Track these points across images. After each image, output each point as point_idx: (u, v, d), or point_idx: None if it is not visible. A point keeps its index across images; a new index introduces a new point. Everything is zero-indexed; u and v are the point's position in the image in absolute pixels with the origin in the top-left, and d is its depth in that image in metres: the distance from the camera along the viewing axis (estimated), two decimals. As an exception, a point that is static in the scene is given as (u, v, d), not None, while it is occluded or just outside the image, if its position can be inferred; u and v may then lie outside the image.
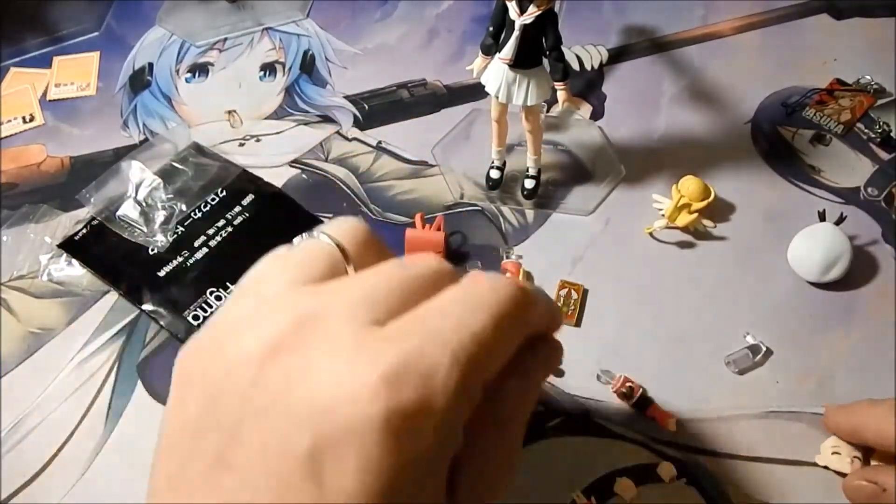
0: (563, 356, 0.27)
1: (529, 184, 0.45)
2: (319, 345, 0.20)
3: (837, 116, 0.50)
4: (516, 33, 0.37)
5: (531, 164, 0.45)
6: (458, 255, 0.44)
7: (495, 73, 0.40)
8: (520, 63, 0.38)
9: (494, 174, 0.46)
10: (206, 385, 0.20)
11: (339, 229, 0.25)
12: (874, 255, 0.43)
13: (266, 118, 0.53)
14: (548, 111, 0.51)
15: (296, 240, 0.25)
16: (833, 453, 0.38)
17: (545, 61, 0.39)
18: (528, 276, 0.43)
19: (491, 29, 0.38)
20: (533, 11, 0.36)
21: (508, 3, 0.36)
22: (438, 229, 0.43)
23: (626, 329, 0.41)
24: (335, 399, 0.19)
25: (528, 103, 0.40)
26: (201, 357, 0.21)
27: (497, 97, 0.41)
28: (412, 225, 0.44)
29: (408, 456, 0.19)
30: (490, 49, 0.39)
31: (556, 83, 0.40)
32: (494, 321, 0.21)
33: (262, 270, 0.24)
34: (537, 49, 0.38)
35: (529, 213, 0.46)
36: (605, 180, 0.47)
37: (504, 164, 0.46)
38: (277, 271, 0.23)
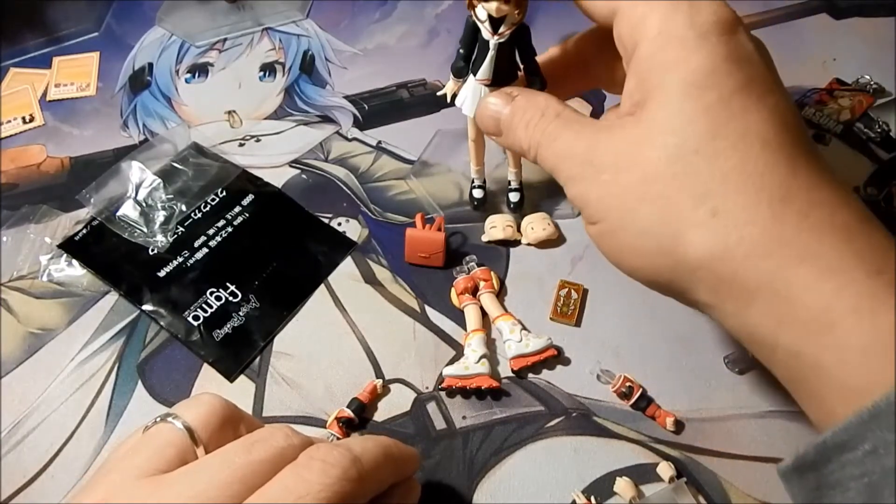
0: (419, 495, 0.31)
1: (514, 197, 0.44)
2: None
3: (837, 116, 0.50)
4: (491, 52, 0.35)
5: (512, 178, 0.44)
6: (458, 255, 0.44)
7: (471, 93, 0.38)
8: (497, 81, 0.37)
9: (478, 193, 0.45)
10: None
11: (193, 411, 0.27)
12: (874, 254, 0.43)
13: (266, 118, 0.53)
14: None
15: (149, 421, 0.27)
16: (491, 227, 0.44)
17: (520, 75, 0.38)
18: (501, 282, 0.43)
19: (462, 51, 0.37)
20: (506, 30, 0.34)
21: (480, 24, 0.35)
22: (439, 229, 0.43)
23: (626, 329, 0.41)
24: None
25: None
26: None
27: (475, 118, 0.39)
28: (412, 225, 0.44)
29: None
30: (462, 71, 0.38)
31: None
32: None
33: (114, 459, 0.26)
34: (513, 64, 0.37)
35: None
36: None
37: (485, 181, 0.45)
38: (126, 462, 0.25)
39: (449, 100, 0.39)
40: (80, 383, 0.40)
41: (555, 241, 0.44)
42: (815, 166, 0.26)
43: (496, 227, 0.44)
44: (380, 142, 0.51)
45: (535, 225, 0.44)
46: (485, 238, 0.44)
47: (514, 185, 0.44)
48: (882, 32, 0.55)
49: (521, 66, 0.37)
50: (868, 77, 0.52)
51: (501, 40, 0.35)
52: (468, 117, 0.40)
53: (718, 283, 0.26)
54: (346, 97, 0.54)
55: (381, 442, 0.28)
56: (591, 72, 0.37)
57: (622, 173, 0.27)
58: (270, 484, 0.24)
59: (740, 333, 0.27)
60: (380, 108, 0.53)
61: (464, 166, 0.48)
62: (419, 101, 0.53)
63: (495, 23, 0.34)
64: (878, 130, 0.49)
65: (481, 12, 0.34)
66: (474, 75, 0.37)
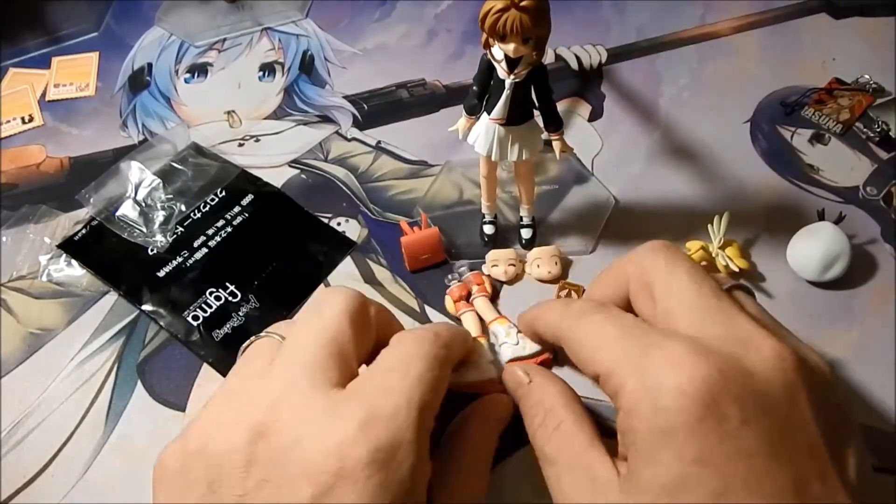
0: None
1: (526, 233, 0.44)
2: (296, 417, 0.24)
3: (836, 116, 0.50)
4: (507, 92, 0.34)
5: (525, 214, 0.44)
6: (456, 255, 0.44)
7: (485, 132, 0.37)
8: (511, 120, 0.36)
9: (489, 229, 0.44)
10: (203, 473, 0.24)
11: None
12: (873, 254, 0.43)
13: (265, 118, 0.53)
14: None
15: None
16: (493, 266, 0.43)
17: (535, 113, 0.37)
18: (494, 286, 0.42)
19: (476, 89, 0.36)
20: (522, 70, 0.34)
21: (496, 64, 0.34)
22: (428, 226, 0.43)
23: (625, 329, 0.41)
24: (323, 454, 0.23)
25: (524, 158, 0.38)
26: (189, 454, 0.25)
27: (490, 156, 0.38)
28: (412, 224, 0.44)
29: (392, 482, 0.23)
30: (475, 109, 0.37)
31: (551, 134, 0.38)
32: (426, 364, 0.27)
33: (228, 378, 0.28)
34: (528, 103, 0.36)
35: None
36: (597, 212, 0.45)
37: (496, 217, 0.44)
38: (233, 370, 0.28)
39: (461, 137, 0.39)
40: (79, 383, 0.40)
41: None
42: None
43: (498, 265, 0.43)
44: (379, 142, 0.51)
45: (543, 263, 0.42)
46: (485, 270, 0.43)
47: (526, 220, 0.44)
48: (882, 32, 0.55)
49: (537, 106, 0.36)
50: (868, 77, 0.52)
51: (518, 80, 0.34)
52: (480, 155, 0.39)
53: None
54: (346, 97, 0.54)
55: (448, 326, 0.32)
56: None
57: None
58: (377, 360, 0.27)
59: None
60: (379, 108, 0.53)
61: (463, 167, 0.48)
62: (419, 101, 0.53)
63: (511, 63, 0.33)
64: (878, 130, 0.49)
65: (497, 52, 0.33)
66: (488, 114, 0.36)
